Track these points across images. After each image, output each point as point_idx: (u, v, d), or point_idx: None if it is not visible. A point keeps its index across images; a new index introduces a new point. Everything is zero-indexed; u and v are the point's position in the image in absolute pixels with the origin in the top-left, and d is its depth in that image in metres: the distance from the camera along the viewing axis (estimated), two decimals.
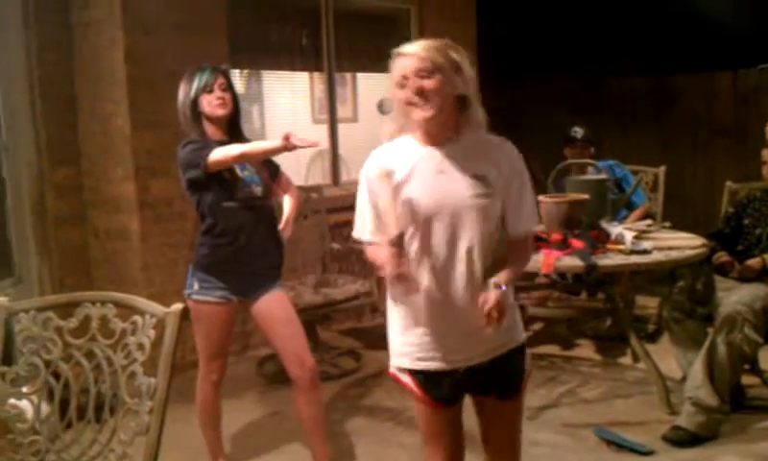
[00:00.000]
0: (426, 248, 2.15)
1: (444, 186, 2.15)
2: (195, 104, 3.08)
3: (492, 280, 2.12)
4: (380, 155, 2.26)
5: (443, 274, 2.16)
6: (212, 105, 3.07)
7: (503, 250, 2.23)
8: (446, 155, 2.18)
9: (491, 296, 2.08)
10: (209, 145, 3.02)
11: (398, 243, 2.07)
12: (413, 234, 2.15)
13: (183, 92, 3.11)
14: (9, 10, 4.36)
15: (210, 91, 3.07)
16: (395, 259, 2.02)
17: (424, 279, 2.15)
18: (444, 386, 2.23)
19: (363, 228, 2.26)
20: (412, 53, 2.14)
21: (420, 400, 2.28)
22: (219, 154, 2.97)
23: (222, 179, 3.04)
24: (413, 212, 2.13)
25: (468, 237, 2.14)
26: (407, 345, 2.24)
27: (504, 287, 2.10)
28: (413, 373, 2.25)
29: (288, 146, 2.83)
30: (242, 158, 3.03)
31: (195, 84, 3.07)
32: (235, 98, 3.17)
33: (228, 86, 3.13)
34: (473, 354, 2.21)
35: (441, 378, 2.22)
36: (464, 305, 2.15)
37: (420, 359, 2.22)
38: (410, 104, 2.12)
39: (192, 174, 3.02)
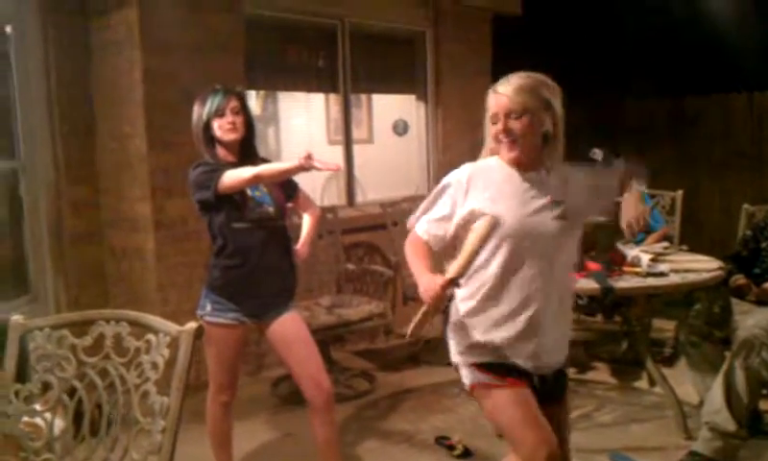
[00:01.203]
0: (510, 266, 2.28)
1: (528, 209, 2.30)
2: (207, 127, 3.08)
3: None
4: (470, 166, 2.40)
5: (532, 288, 2.28)
6: (223, 129, 3.07)
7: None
8: (530, 179, 2.34)
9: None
10: (221, 167, 3.01)
11: (451, 284, 2.21)
12: (494, 251, 2.28)
13: (196, 115, 3.11)
14: (29, 31, 4.42)
15: (222, 115, 3.06)
16: (438, 294, 2.18)
17: (509, 294, 2.29)
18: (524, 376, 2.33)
19: (422, 222, 2.42)
20: (504, 93, 2.31)
21: (508, 384, 2.32)
22: (231, 177, 2.96)
23: (232, 200, 3.03)
24: (496, 230, 2.27)
25: (552, 257, 2.30)
26: (491, 343, 2.33)
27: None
28: (494, 366, 2.33)
29: (306, 166, 2.82)
30: (256, 180, 3.01)
31: (207, 108, 3.07)
32: (249, 120, 3.16)
33: (242, 109, 3.11)
34: (548, 364, 2.37)
35: (521, 372, 2.33)
36: (548, 320, 2.31)
37: (503, 356, 2.33)
38: (498, 141, 2.32)
39: (202, 195, 3.03)
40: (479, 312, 2.34)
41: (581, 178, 2.41)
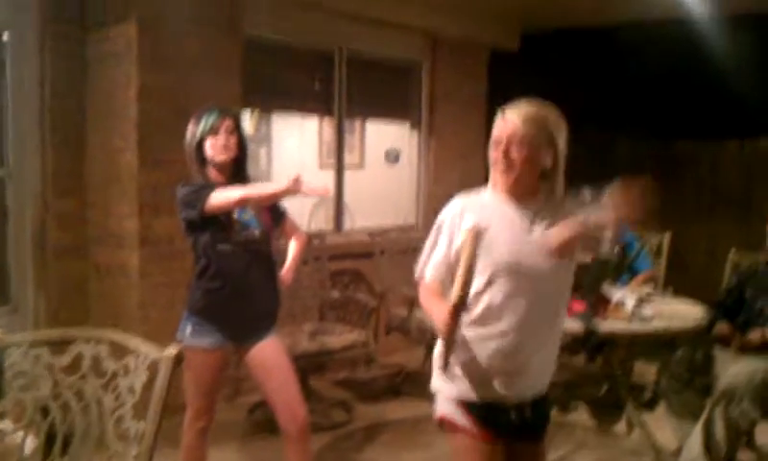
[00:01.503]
0: (501, 297, 2.27)
1: (519, 240, 2.28)
2: (200, 145, 3.07)
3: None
4: (462, 200, 2.40)
5: (522, 322, 2.27)
6: (215, 148, 3.05)
7: None
8: (525, 213, 2.32)
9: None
10: (209, 186, 3.00)
11: (460, 305, 2.13)
12: (487, 282, 2.27)
13: (190, 132, 3.10)
14: (26, 39, 4.40)
15: (215, 134, 3.05)
16: (451, 320, 2.12)
17: (499, 325, 2.27)
18: (499, 419, 2.32)
19: (428, 268, 2.39)
20: (511, 119, 2.30)
21: (476, 435, 2.32)
22: (219, 197, 2.95)
23: (218, 221, 3.01)
24: (487, 261, 2.25)
25: (541, 290, 2.29)
26: (466, 382, 2.32)
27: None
28: (469, 407, 2.33)
29: (294, 190, 2.81)
30: (243, 202, 3.00)
31: (201, 126, 3.06)
32: (242, 142, 3.15)
33: (236, 130, 3.11)
34: (522, 391, 2.33)
35: (497, 413, 2.32)
36: (533, 351, 2.29)
37: (479, 395, 2.31)
38: (496, 164, 2.31)
39: (188, 214, 3.01)
40: (468, 339, 2.31)
41: (574, 213, 2.31)
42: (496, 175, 2.32)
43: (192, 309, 3.11)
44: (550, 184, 2.35)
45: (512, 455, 2.38)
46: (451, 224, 2.36)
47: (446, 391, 2.37)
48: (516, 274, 2.27)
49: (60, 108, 4.56)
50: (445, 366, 2.23)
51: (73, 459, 1.96)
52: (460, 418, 2.33)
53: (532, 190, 2.33)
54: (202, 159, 3.09)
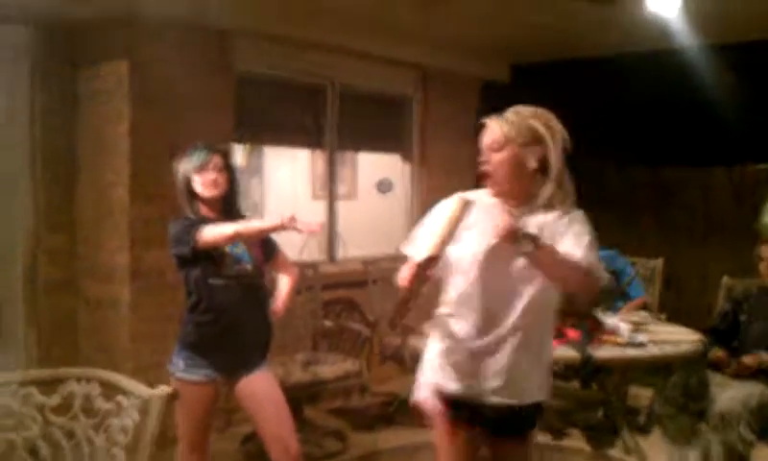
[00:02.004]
0: (467, 295, 2.30)
1: (491, 243, 2.23)
2: (189, 182, 3.09)
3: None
4: (459, 194, 2.36)
5: (484, 321, 2.29)
6: (204, 185, 3.07)
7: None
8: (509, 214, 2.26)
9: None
10: (201, 222, 3.01)
11: (425, 266, 2.15)
12: (462, 278, 2.31)
13: (180, 169, 3.11)
14: (15, 75, 4.42)
15: (204, 171, 3.06)
16: (411, 274, 2.15)
17: (468, 321, 2.29)
18: (465, 413, 2.36)
19: (411, 245, 2.39)
20: (489, 124, 2.30)
21: (449, 428, 2.40)
22: (211, 233, 2.95)
23: (209, 256, 3.01)
24: (464, 257, 2.29)
25: (512, 293, 2.27)
26: (441, 372, 2.38)
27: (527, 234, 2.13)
28: (444, 396, 2.39)
29: (287, 226, 2.82)
30: (236, 238, 3.00)
31: (190, 163, 3.08)
32: (232, 178, 3.17)
33: (225, 167, 3.12)
34: (485, 391, 2.32)
35: (463, 406, 2.35)
36: (497, 351, 2.28)
37: (449, 385, 2.37)
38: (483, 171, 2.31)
39: (179, 250, 3.02)
40: (444, 332, 2.38)
41: (558, 231, 2.26)
42: (485, 179, 2.33)
43: (184, 343, 3.10)
44: (545, 188, 2.28)
45: (493, 447, 2.44)
46: (443, 209, 2.35)
47: (424, 377, 2.43)
48: (477, 275, 2.27)
49: (52, 144, 4.57)
50: (393, 323, 2.24)
51: None
52: (435, 405, 2.40)
53: (524, 193, 2.29)
54: (192, 196, 3.10)
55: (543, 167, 2.27)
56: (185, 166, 3.09)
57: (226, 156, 3.17)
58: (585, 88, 7.12)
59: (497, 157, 2.26)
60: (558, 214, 2.28)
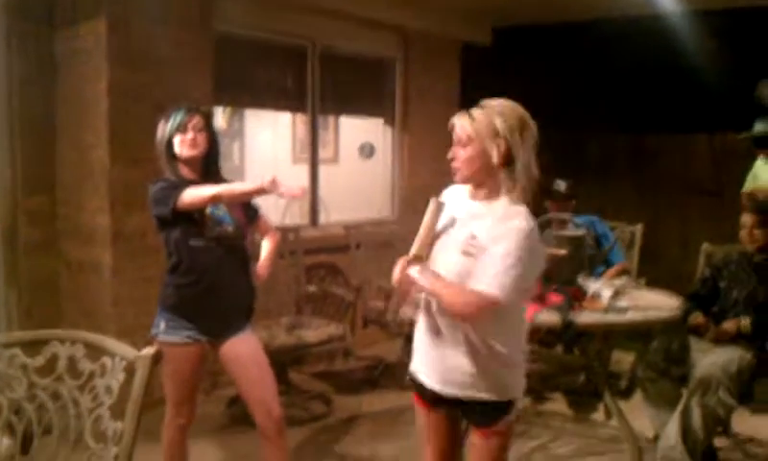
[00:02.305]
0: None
1: (451, 238, 2.39)
2: (170, 144, 3.06)
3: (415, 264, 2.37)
4: (448, 192, 2.53)
5: (435, 314, 2.40)
6: (184, 144, 3.05)
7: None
8: (471, 210, 2.40)
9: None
10: (181, 184, 2.99)
11: (417, 261, 2.37)
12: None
13: (160, 131, 3.09)
14: None
15: (183, 131, 3.04)
16: (401, 272, 2.36)
17: (424, 315, 2.44)
18: (428, 393, 2.48)
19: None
20: (458, 121, 2.36)
21: (416, 402, 2.57)
22: (191, 195, 2.93)
23: (190, 217, 3.00)
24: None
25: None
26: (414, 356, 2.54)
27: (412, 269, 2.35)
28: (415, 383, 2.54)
29: (268, 190, 2.80)
30: (216, 200, 2.98)
31: (170, 124, 3.06)
32: (212, 138, 3.14)
33: (205, 127, 3.09)
34: (448, 383, 2.42)
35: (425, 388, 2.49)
36: (447, 345, 2.38)
37: (415, 369, 2.53)
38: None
39: (160, 211, 3.00)
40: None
41: (492, 236, 2.29)
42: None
43: (165, 305, 3.09)
44: (508, 180, 2.33)
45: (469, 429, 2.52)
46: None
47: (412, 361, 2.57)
48: (438, 265, 2.37)
49: (30, 105, 4.49)
50: (393, 317, 2.42)
51: (51, 459, 1.93)
52: (412, 385, 2.56)
53: (489, 187, 2.36)
54: (172, 157, 3.08)
55: (508, 162, 2.32)
56: (166, 127, 3.07)
57: (206, 116, 3.14)
58: (566, 53, 7.11)
59: (463, 154, 2.34)
60: (503, 214, 2.31)
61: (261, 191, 2.87)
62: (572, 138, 7.30)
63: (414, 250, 2.41)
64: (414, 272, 2.34)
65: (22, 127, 4.45)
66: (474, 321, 2.31)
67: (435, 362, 2.43)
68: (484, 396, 2.38)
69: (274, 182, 2.80)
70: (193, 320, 3.06)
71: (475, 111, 2.35)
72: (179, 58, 4.70)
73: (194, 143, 3.05)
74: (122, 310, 4.50)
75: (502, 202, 2.34)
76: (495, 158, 2.31)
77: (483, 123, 2.31)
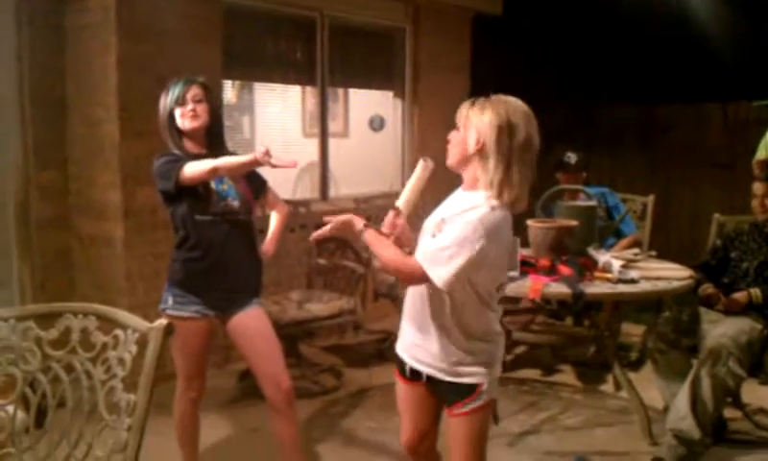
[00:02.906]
0: None
1: (428, 222, 2.46)
2: (171, 117, 3.05)
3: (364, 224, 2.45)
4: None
5: (410, 294, 2.50)
6: (184, 117, 3.04)
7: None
8: (452, 197, 2.48)
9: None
10: (183, 158, 2.98)
11: (396, 213, 2.50)
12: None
13: (161, 105, 3.08)
14: (1, 11, 4.32)
15: (183, 103, 3.03)
16: (391, 218, 2.51)
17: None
18: (406, 367, 2.57)
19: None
20: (461, 106, 2.41)
21: (396, 375, 2.66)
22: (192, 168, 2.92)
23: (195, 192, 3.00)
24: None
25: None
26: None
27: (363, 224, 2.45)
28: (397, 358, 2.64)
29: (261, 161, 2.78)
30: (214, 173, 2.96)
31: (169, 97, 3.05)
32: (213, 109, 3.12)
33: (204, 98, 3.07)
34: (414, 359, 2.52)
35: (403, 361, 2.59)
36: (418, 325, 2.47)
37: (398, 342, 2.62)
38: None
39: (163, 186, 3.00)
40: None
41: (462, 212, 2.33)
42: None
43: (173, 280, 3.10)
44: (481, 170, 2.34)
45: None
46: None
47: None
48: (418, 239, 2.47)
49: (40, 80, 4.50)
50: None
51: (65, 431, 1.95)
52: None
53: (465, 175, 2.42)
54: (175, 130, 3.07)
55: (482, 156, 2.33)
56: (166, 100, 3.06)
57: (205, 86, 3.10)
58: (577, 23, 7.05)
59: (451, 138, 2.42)
60: (467, 204, 2.34)
61: (255, 163, 2.84)
62: (583, 109, 7.27)
63: (398, 203, 2.54)
64: (359, 223, 2.44)
65: (33, 102, 4.46)
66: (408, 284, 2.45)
67: (408, 337, 2.53)
68: (444, 377, 2.44)
69: (266, 154, 2.78)
70: (200, 295, 3.07)
71: (480, 101, 2.36)
72: (187, 31, 4.69)
73: (194, 114, 3.04)
74: (134, 284, 4.54)
75: (477, 194, 2.34)
76: (471, 148, 2.34)
77: (474, 113, 2.34)
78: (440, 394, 2.53)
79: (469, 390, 2.43)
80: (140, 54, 4.47)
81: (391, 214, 2.52)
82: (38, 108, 4.49)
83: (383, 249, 2.40)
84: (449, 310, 2.39)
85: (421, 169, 2.57)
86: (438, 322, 2.41)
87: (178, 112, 3.04)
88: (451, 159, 2.42)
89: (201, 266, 3.05)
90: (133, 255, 4.54)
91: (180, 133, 3.07)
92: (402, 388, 2.64)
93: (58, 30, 4.56)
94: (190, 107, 3.03)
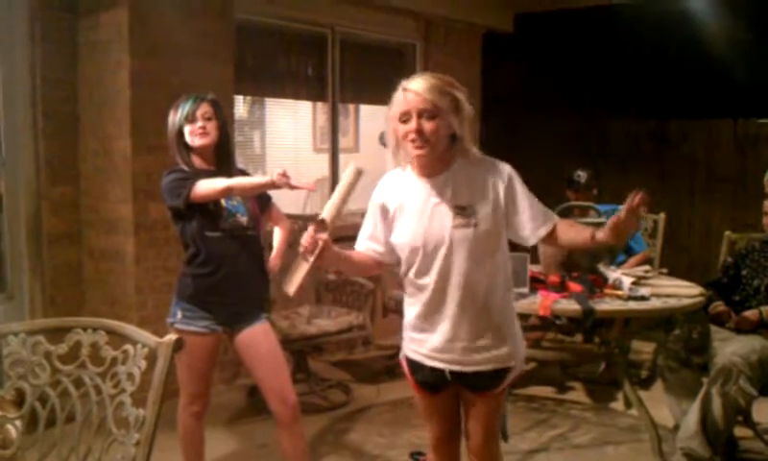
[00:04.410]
0: (428, 272, 2.38)
1: (430, 219, 2.36)
2: (180, 133, 3.07)
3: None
4: (386, 181, 2.52)
5: (443, 295, 2.37)
6: (193, 134, 3.05)
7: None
8: (434, 187, 2.38)
9: None
10: (194, 176, 3.00)
11: (321, 226, 2.34)
12: (409, 261, 2.41)
13: (171, 121, 3.09)
14: (15, 26, 4.37)
15: (192, 121, 3.04)
16: (311, 233, 2.30)
17: (423, 297, 2.40)
18: (427, 375, 2.49)
19: (358, 239, 2.56)
20: (417, 91, 2.30)
21: (414, 388, 2.58)
22: (204, 187, 2.94)
23: (205, 208, 3.01)
24: (405, 242, 2.40)
25: (462, 264, 2.34)
26: (407, 337, 2.53)
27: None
28: (411, 364, 2.55)
29: (278, 183, 2.80)
30: (228, 193, 2.98)
31: (179, 114, 3.06)
32: (222, 127, 3.14)
33: (214, 115, 3.09)
34: (456, 361, 2.43)
35: (424, 369, 2.49)
36: (454, 324, 2.38)
37: (412, 350, 2.52)
38: (407, 139, 2.32)
39: (173, 203, 3.02)
40: (408, 310, 2.50)
41: (485, 178, 2.37)
42: (409, 149, 2.34)
43: (181, 295, 3.12)
44: (462, 150, 2.38)
45: (463, 402, 2.56)
46: (374, 202, 2.51)
47: (403, 350, 2.58)
48: (431, 245, 2.35)
49: (52, 95, 4.53)
50: (288, 285, 2.41)
51: (74, 446, 1.96)
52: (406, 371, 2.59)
53: (444, 159, 2.37)
54: (184, 147, 3.09)
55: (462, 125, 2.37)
56: (176, 117, 3.07)
57: (215, 104, 3.13)
58: (589, 39, 7.05)
59: (430, 127, 2.30)
60: (485, 169, 2.39)
61: (271, 185, 2.86)
62: (595, 125, 7.26)
63: (326, 213, 2.40)
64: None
65: (45, 117, 4.49)
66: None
67: (449, 342, 2.41)
68: (489, 367, 2.43)
69: (284, 175, 2.79)
70: (209, 310, 3.08)
71: (432, 81, 2.35)
72: (199, 47, 4.72)
73: (204, 132, 3.05)
74: (143, 298, 4.55)
75: (467, 162, 2.43)
76: (458, 131, 2.37)
77: (445, 94, 2.33)
78: (468, 385, 2.48)
79: (505, 371, 2.45)
80: (152, 70, 4.50)
81: (311, 229, 2.33)
82: (51, 123, 4.53)
83: None
84: (503, 286, 2.41)
85: (353, 175, 2.45)
86: (498, 307, 2.41)
87: (187, 129, 3.05)
88: (429, 149, 2.31)
89: (210, 282, 3.06)
90: (144, 270, 4.56)
91: (188, 149, 3.09)
92: (427, 399, 2.59)
93: (71, 46, 4.60)
94: (200, 124, 3.05)
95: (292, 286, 2.44)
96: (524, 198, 2.38)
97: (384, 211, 2.48)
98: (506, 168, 2.40)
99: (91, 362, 1.97)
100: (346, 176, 2.46)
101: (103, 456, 1.91)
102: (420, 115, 2.29)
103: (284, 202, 3.53)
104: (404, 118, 2.31)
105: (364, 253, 2.54)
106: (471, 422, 2.55)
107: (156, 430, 1.89)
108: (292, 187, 2.82)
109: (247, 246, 3.12)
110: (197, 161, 3.10)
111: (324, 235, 2.32)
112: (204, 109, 3.06)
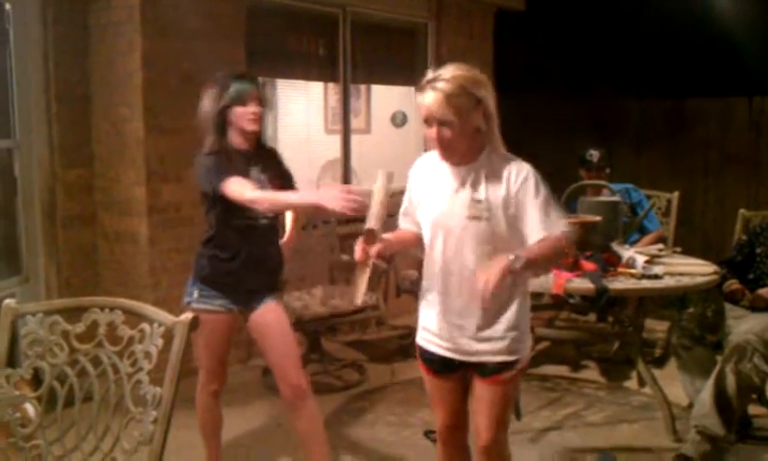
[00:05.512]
0: (437, 257, 2.48)
1: (448, 206, 2.44)
2: (223, 113, 2.98)
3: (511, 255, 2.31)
4: (421, 161, 2.62)
5: (449, 281, 2.47)
6: (245, 118, 2.98)
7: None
8: (457, 176, 2.46)
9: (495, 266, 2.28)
10: (229, 166, 2.93)
11: (371, 235, 2.41)
12: (429, 243, 2.51)
13: (213, 99, 2.99)
14: (27, 9, 4.37)
15: (244, 104, 2.97)
16: (361, 245, 2.40)
17: (438, 281, 2.49)
18: (437, 361, 2.58)
19: (401, 213, 2.68)
20: (433, 103, 2.34)
21: (425, 371, 2.66)
22: (235, 189, 2.86)
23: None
24: (424, 223, 2.53)
25: (469, 255, 2.42)
26: (420, 324, 2.62)
27: (513, 258, 2.28)
28: (421, 352, 2.64)
29: (321, 207, 2.68)
30: (253, 204, 2.88)
31: (229, 93, 2.97)
32: (264, 111, 3.11)
33: (262, 102, 3.05)
34: (464, 350, 2.50)
35: (434, 355, 2.58)
36: (466, 313, 2.45)
37: (423, 338, 2.62)
38: (433, 143, 2.42)
39: (204, 187, 3.00)
40: (423, 293, 2.61)
41: (504, 176, 2.40)
42: (436, 149, 2.44)
43: (198, 276, 3.13)
44: (488, 140, 2.43)
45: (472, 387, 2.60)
46: (410, 180, 2.62)
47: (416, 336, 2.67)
48: (443, 230, 2.44)
49: (65, 77, 4.54)
50: (355, 297, 2.50)
51: (92, 424, 1.98)
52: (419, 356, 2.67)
53: (472, 149, 2.42)
54: (222, 127, 3.00)
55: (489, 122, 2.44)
56: (223, 95, 2.97)
57: (263, 89, 3.11)
58: (603, 17, 7.00)
59: (450, 133, 2.36)
60: (505, 167, 2.41)
61: (314, 208, 2.78)
62: (608, 102, 7.22)
63: (369, 222, 2.44)
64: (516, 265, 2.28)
65: (58, 100, 4.50)
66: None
67: (461, 332, 2.49)
68: (500, 358, 2.48)
69: (348, 194, 2.63)
70: (225, 291, 3.10)
71: (447, 87, 2.37)
72: (211, 28, 4.72)
73: (256, 118, 3.00)
74: (158, 280, 4.58)
75: (493, 156, 2.47)
76: (482, 124, 2.42)
77: (462, 97, 2.36)
78: (479, 373, 2.52)
79: (515, 361, 2.50)
80: (164, 52, 4.50)
81: (360, 241, 2.41)
82: (64, 106, 4.54)
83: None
84: (511, 282, 2.41)
85: (385, 179, 2.50)
86: (502, 301, 2.44)
87: (237, 111, 2.98)
88: (451, 152, 2.39)
89: (229, 267, 3.07)
90: (158, 252, 4.58)
91: (225, 129, 3.00)
92: (434, 382, 2.65)
93: (83, 28, 4.60)
94: (253, 109, 2.99)
95: (359, 297, 2.53)
96: (533, 205, 2.37)
97: (415, 189, 2.59)
98: (525, 170, 2.40)
99: (108, 341, 1.99)
100: (378, 184, 2.50)
101: (121, 434, 1.93)
102: (439, 124, 2.35)
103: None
104: (428, 121, 2.39)
105: (406, 230, 2.65)
106: (477, 412, 2.59)
107: (174, 408, 1.91)
108: (333, 213, 2.71)
109: (266, 233, 3.13)
110: (237, 141, 3.03)
111: (376, 247, 2.41)
112: (257, 93, 3.01)
